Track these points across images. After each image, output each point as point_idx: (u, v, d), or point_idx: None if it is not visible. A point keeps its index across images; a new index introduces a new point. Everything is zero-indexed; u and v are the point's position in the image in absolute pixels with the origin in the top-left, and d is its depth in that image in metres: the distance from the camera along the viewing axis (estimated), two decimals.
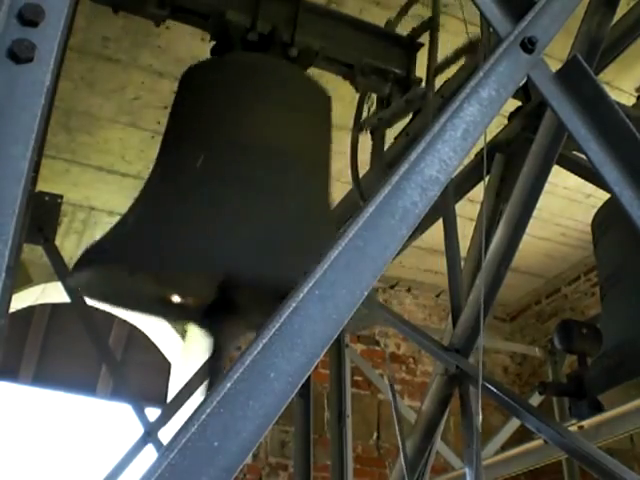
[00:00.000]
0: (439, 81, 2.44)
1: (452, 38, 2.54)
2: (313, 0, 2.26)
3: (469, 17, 2.30)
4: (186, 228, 1.63)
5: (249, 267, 1.54)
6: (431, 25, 2.44)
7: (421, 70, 2.42)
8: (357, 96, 2.66)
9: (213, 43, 2.19)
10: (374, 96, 2.54)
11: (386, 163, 2.72)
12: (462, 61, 2.45)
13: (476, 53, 2.34)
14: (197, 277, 1.87)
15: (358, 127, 2.61)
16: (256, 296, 1.78)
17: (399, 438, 2.04)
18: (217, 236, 1.60)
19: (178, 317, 2.27)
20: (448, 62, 2.46)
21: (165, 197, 1.76)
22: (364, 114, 2.62)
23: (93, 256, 1.69)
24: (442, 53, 2.52)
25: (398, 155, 2.58)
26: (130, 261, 1.63)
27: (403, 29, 2.54)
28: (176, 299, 1.95)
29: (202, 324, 1.89)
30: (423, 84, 2.36)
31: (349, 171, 2.67)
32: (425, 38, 2.46)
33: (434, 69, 2.38)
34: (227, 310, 1.75)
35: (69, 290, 2.64)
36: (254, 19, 2.05)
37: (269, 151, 1.82)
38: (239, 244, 1.59)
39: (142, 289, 1.89)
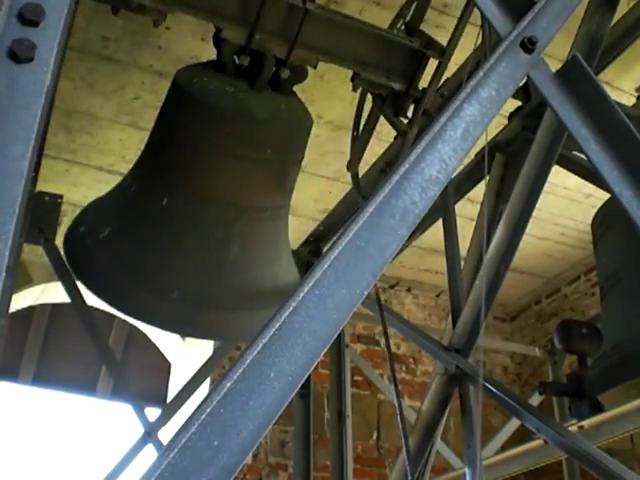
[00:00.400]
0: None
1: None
2: (317, 3, 2.21)
3: (470, 18, 2.29)
4: (139, 268, 1.86)
5: (183, 322, 1.75)
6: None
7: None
8: (357, 96, 2.66)
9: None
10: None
11: (386, 163, 2.72)
12: (462, 47, 2.38)
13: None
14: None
15: (358, 131, 2.60)
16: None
17: (403, 438, 2.04)
18: (161, 285, 1.77)
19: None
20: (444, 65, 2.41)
21: (131, 227, 2.02)
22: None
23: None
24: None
25: (397, 155, 2.58)
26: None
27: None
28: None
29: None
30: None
31: (348, 170, 2.66)
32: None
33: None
34: None
35: (69, 290, 2.64)
36: (251, 32, 1.99)
37: (223, 204, 1.98)
38: (180, 295, 1.79)
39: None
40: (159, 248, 1.98)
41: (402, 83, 2.23)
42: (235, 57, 2.07)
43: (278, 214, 2.14)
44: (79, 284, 2.62)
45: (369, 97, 2.52)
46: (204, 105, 2.00)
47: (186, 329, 2.12)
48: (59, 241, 2.64)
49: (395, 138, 2.67)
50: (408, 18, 2.36)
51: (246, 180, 2.01)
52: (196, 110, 2.01)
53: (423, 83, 2.29)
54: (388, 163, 2.71)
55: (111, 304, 2.13)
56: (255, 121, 2.03)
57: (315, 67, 2.16)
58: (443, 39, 2.44)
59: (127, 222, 2.06)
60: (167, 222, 1.97)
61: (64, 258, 2.22)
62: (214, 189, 1.99)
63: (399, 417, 2.20)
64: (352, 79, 2.28)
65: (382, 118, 2.46)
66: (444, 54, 2.23)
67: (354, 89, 2.37)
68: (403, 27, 2.34)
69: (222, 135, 2.00)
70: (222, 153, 2.00)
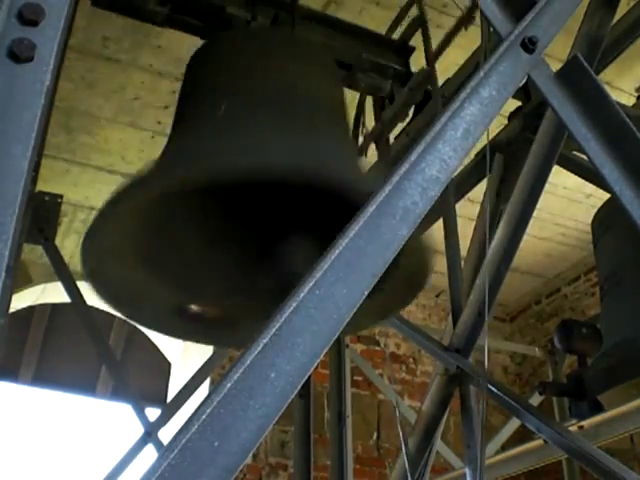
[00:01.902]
0: (440, 77, 2.43)
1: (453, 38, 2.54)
2: (311, 2, 2.26)
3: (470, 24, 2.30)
4: (224, 145, 1.53)
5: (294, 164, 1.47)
6: (421, 18, 2.46)
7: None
8: (357, 97, 2.66)
9: None
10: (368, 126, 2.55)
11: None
12: (462, 33, 2.43)
13: (472, 22, 2.33)
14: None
15: (358, 131, 2.60)
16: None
17: (401, 439, 2.04)
18: (255, 149, 1.52)
19: (193, 334, 2.05)
20: (448, 37, 2.46)
21: (194, 136, 1.67)
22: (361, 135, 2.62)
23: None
24: (443, 54, 2.52)
25: (398, 155, 2.58)
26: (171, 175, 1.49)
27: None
28: (194, 308, 1.85)
29: (218, 339, 1.84)
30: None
31: None
32: (419, 38, 2.47)
33: (434, 54, 2.38)
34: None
35: (69, 290, 2.64)
36: (254, 14, 2.06)
37: (287, 92, 1.76)
38: (278, 150, 1.52)
39: (157, 293, 1.78)
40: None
41: (399, 83, 2.27)
42: None
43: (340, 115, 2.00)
44: (79, 285, 2.62)
45: (369, 97, 2.54)
46: (239, 35, 1.98)
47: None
48: (59, 241, 2.64)
49: (395, 138, 2.67)
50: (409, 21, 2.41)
51: (304, 76, 1.88)
52: (235, 39, 1.95)
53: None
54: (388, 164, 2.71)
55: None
56: (292, 36, 2.04)
57: None
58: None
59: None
60: (236, 115, 1.67)
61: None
62: (276, 83, 1.82)
63: (397, 419, 2.20)
64: (349, 85, 2.30)
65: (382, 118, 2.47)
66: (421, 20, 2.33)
67: (350, 86, 2.39)
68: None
69: (265, 48, 1.89)
70: (271, 57, 1.87)
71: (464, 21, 2.38)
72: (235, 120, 1.62)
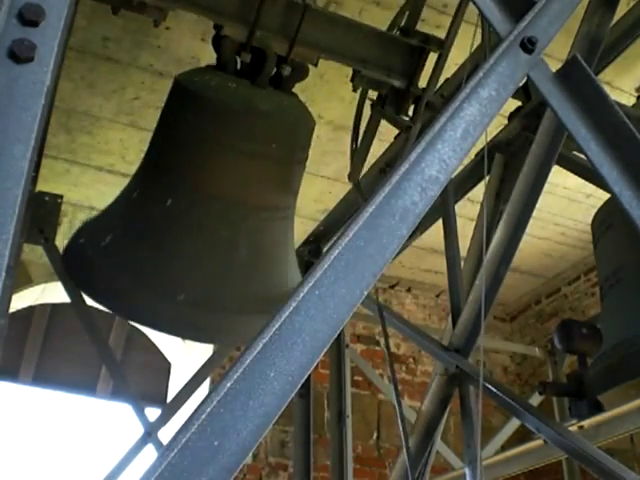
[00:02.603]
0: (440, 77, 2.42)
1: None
2: (317, 5, 2.22)
3: (468, 17, 2.29)
4: (143, 272, 1.82)
5: (188, 325, 1.72)
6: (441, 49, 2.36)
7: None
8: (357, 96, 2.66)
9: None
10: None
11: (385, 163, 2.72)
12: (461, 31, 2.38)
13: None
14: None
15: (358, 131, 2.60)
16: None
17: (403, 439, 2.04)
18: (165, 287, 1.75)
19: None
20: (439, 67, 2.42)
21: (134, 232, 1.97)
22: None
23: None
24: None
25: (398, 155, 2.58)
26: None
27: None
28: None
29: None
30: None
31: (349, 170, 2.66)
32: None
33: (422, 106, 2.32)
34: None
35: (69, 290, 2.64)
36: (252, 30, 2.00)
37: (229, 202, 1.95)
38: (186, 297, 1.76)
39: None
40: (164, 251, 1.96)
41: (402, 80, 2.23)
42: (236, 56, 2.07)
43: (285, 214, 2.12)
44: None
45: (368, 101, 2.52)
46: (207, 101, 1.99)
47: (191, 333, 2.09)
48: (59, 241, 2.64)
49: (395, 138, 2.67)
50: (405, 20, 2.37)
51: (252, 177, 1.99)
52: (199, 107, 2.00)
53: (422, 82, 2.29)
54: (388, 163, 2.71)
55: (115, 311, 2.12)
56: (259, 115, 2.02)
57: (316, 65, 2.16)
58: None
59: (130, 227, 2.03)
60: (172, 223, 1.94)
61: (64, 269, 2.21)
62: (220, 187, 1.97)
63: (399, 417, 2.20)
64: (352, 79, 2.28)
65: (382, 119, 2.47)
66: (442, 47, 2.24)
67: (354, 89, 2.37)
68: (398, 33, 2.34)
69: (226, 131, 1.98)
70: (227, 149, 1.97)
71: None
72: (168, 232, 1.92)
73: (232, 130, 1.99)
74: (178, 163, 1.99)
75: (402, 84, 2.23)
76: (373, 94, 2.43)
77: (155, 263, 1.94)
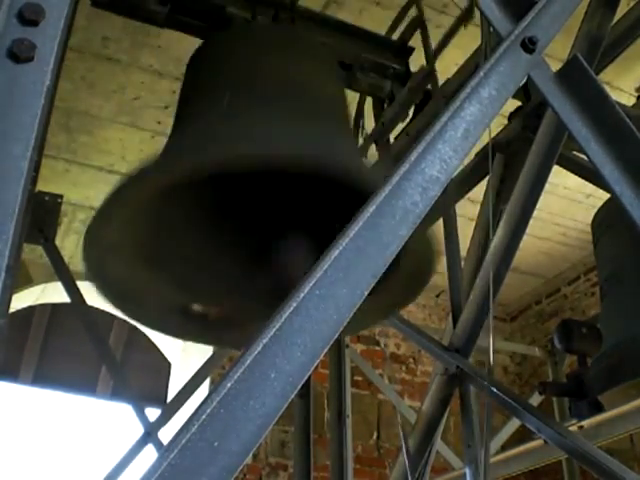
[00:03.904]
0: (440, 77, 2.43)
1: (453, 37, 2.54)
2: (311, 3, 2.26)
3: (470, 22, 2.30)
4: (229, 133, 1.53)
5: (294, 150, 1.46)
6: (420, 18, 2.46)
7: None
8: (357, 97, 2.66)
9: None
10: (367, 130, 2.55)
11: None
12: (461, 31, 2.43)
13: (471, 19, 2.33)
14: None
15: (357, 131, 2.60)
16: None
17: (402, 439, 2.04)
18: (260, 136, 1.51)
19: (195, 334, 2.03)
20: (448, 36, 2.46)
21: (198, 128, 1.66)
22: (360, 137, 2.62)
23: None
24: (443, 52, 2.52)
25: (398, 155, 2.58)
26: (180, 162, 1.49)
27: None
28: (197, 308, 1.85)
29: (220, 339, 1.84)
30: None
31: None
32: (418, 39, 2.47)
33: (433, 52, 2.38)
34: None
35: (69, 290, 2.64)
36: (254, 13, 2.06)
37: (291, 85, 1.75)
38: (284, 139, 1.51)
39: (159, 292, 1.77)
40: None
41: (399, 82, 2.27)
42: None
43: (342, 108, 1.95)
44: (79, 285, 2.62)
45: (369, 98, 2.53)
46: (241, 31, 1.98)
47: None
48: (59, 241, 2.64)
49: (395, 138, 2.67)
50: (408, 21, 2.41)
51: (305, 74, 1.86)
52: (237, 35, 1.96)
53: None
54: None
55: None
56: (294, 32, 2.04)
57: None
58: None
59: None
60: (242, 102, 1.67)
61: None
62: (279, 83, 1.82)
63: (399, 419, 2.19)
64: (349, 85, 2.31)
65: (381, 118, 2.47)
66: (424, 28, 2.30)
67: (350, 87, 2.39)
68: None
69: (268, 45, 1.88)
70: (275, 57, 1.84)
71: (463, 19, 2.38)
72: (238, 113, 1.61)
73: (273, 43, 1.91)
74: (223, 75, 1.79)
75: (401, 68, 2.27)
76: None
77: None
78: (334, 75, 1.97)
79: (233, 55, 1.83)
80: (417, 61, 2.46)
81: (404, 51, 2.44)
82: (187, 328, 1.84)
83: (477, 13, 2.25)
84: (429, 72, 2.31)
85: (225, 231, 1.84)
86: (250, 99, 1.67)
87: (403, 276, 1.64)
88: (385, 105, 2.49)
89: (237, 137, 1.46)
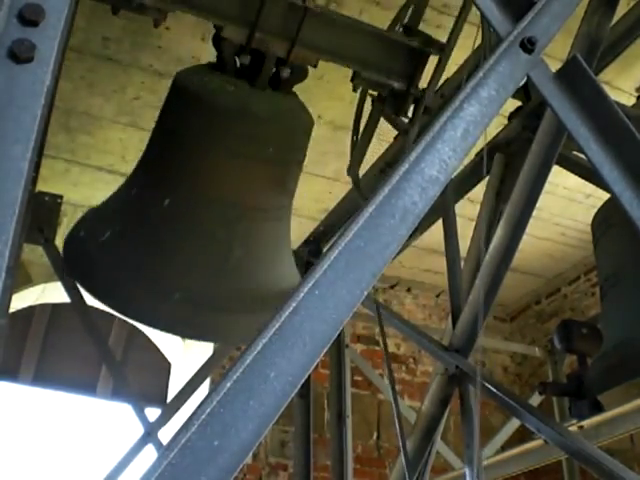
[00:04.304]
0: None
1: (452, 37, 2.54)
2: (317, 4, 2.21)
3: (469, 17, 2.29)
4: (140, 270, 1.84)
5: (185, 324, 1.74)
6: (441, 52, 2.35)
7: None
8: (357, 96, 2.66)
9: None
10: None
11: (386, 163, 2.72)
12: (462, 47, 2.39)
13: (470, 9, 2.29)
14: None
15: (358, 131, 2.60)
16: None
17: (400, 439, 2.04)
18: (163, 288, 1.77)
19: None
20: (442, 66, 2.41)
21: (131, 229, 2.01)
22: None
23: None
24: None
25: (398, 155, 2.58)
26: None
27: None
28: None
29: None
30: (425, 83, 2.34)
31: (349, 170, 2.66)
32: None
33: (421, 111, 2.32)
34: None
35: (69, 290, 2.64)
36: (251, 32, 2.00)
37: (225, 203, 1.96)
38: (182, 297, 1.78)
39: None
40: (161, 249, 1.97)
41: (402, 82, 2.23)
42: (235, 57, 2.07)
43: (280, 215, 2.13)
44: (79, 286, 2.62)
45: (369, 98, 2.52)
46: (205, 103, 1.99)
47: (188, 331, 2.11)
48: (59, 241, 2.64)
49: (395, 138, 2.67)
50: (406, 20, 2.36)
51: (248, 179, 2.00)
52: (197, 108, 2.00)
53: (423, 83, 2.29)
54: (388, 163, 2.71)
55: (113, 307, 2.13)
56: (256, 119, 2.02)
57: (315, 66, 2.15)
58: (443, 39, 2.44)
59: (128, 225, 2.05)
60: (169, 223, 1.96)
61: (63, 263, 2.23)
62: (216, 189, 1.98)
63: (396, 418, 2.20)
64: (352, 79, 2.28)
65: (382, 118, 2.47)
66: (443, 50, 2.23)
67: (354, 89, 2.37)
68: (401, 29, 2.33)
69: (224, 133, 1.99)
70: (224, 152, 1.99)
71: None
72: (165, 233, 1.94)
73: (229, 132, 1.99)
74: (175, 163, 2.01)
75: (402, 86, 2.22)
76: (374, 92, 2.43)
77: (152, 262, 1.95)
78: (292, 166, 2.11)
79: (184, 143, 2.02)
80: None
81: (420, 58, 2.33)
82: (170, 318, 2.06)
83: (476, 11, 2.24)
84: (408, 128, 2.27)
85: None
86: (179, 214, 1.99)
87: None
88: (385, 106, 2.48)
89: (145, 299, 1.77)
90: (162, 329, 2.23)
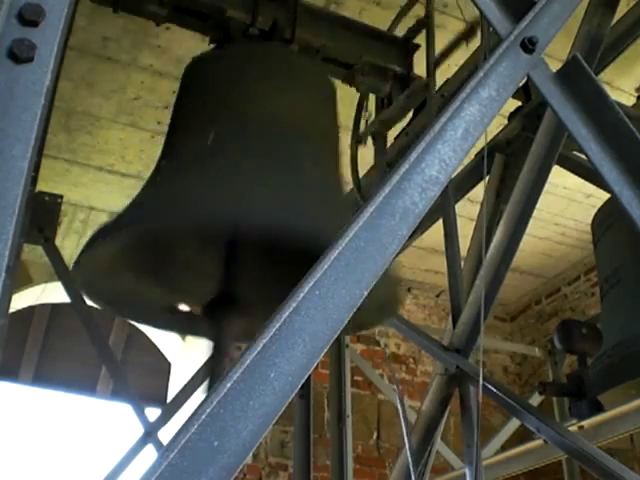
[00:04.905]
0: (440, 77, 2.43)
1: (453, 37, 2.55)
2: (312, 1, 2.24)
3: (469, 17, 2.30)
4: (202, 191, 1.52)
5: (263, 220, 1.45)
6: (427, 22, 2.44)
7: (421, 69, 2.42)
8: (357, 97, 2.66)
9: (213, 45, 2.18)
10: (371, 111, 2.55)
11: (386, 163, 2.71)
12: (462, 47, 2.44)
13: (475, 36, 2.33)
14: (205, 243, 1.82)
15: (358, 132, 2.60)
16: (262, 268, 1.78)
17: (405, 439, 2.04)
18: (232, 198, 1.52)
19: (183, 328, 2.13)
20: (449, 49, 2.46)
21: (177, 172, 1.68)
22: (363, 121, 2.62)
23: (103, 234, 1.60)
24: (442, 53, 2.52)
25: (398, 155, 2.58)
26: (145, 222, 1.53)
27: (403, 30, 2.54)
28: (182, 307, 1.92)
29: (205, 333, 1.88)
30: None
31: (349, 171, 2.67)
32: (422, 38, 2.46)
33: (434, 63, 2.38)
34: (229, 304, 1.74)
35: (69, 290, 2.64)
36: (254, 16, 2.05)
37: (278, 123, 1.74)
38: (255, 203, 1.51)
39: (147, 293, 1.85)
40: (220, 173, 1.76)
41: (400, 67, 2.27)
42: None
43: (329, 150, 1.98)
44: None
45: (372, 96, 2.53)
46: (243, 48, 1.97)
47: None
48: (59, 241, 2.64)
49: (395, 138, 2.67)
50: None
51: (296, 104, 1.84)
52: (226, 60, 1.95)
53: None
54: (388, 163, 2.71)
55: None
56: (290, 57, 2.02)
57: (318, 51, 2.18)
58: (443, 38, 2.45)
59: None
60: (223, 149, 1.67)
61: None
62: (266, 111, 1.79)
63: (401, 419, 2.20)
64: (349, 83, 2.30)
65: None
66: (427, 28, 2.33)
67: (350, 85, 2.39)
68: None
69: (264, 65, 1.90)
70: (266, 78, 1.86)
71: (465, 36, 2.38)
72: (221, 158, 1.63)
73: (268, 62, 1.91)
74: (213, 103, 1.80)
75: (401, 70, 2.27)
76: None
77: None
78: (330, 106, 1.97)
79: (222, 85, 1.84)
80: (417, 60, 2.45)
81: (407, 49, 2.42)
82: (176, 324, 1.93)
83: (476, 11, 2.25)
84: (427, 84, 2.31)
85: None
86: (235, 139, 1.69)
87: (371, 306, 1.63)
88: (384, 105, 2.49)
89: (215, 202, 1.49)
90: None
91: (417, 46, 2.44)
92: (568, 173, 2.27)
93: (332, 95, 2.00)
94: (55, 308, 5.75)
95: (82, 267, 1.60)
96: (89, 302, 2.65)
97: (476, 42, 2.31)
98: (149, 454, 2.85)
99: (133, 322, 5.40)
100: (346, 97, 3.24)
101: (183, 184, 1.58)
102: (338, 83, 3.27)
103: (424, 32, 2.47)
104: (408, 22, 2.57)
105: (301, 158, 1.71)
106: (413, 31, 2.47)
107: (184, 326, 2.00)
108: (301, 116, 1.79)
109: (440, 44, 2.51)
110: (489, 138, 2.29)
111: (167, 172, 1.74)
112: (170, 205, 1.51)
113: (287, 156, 1.70)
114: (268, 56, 1.98)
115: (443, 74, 2.46)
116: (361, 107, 2.62)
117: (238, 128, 1.71)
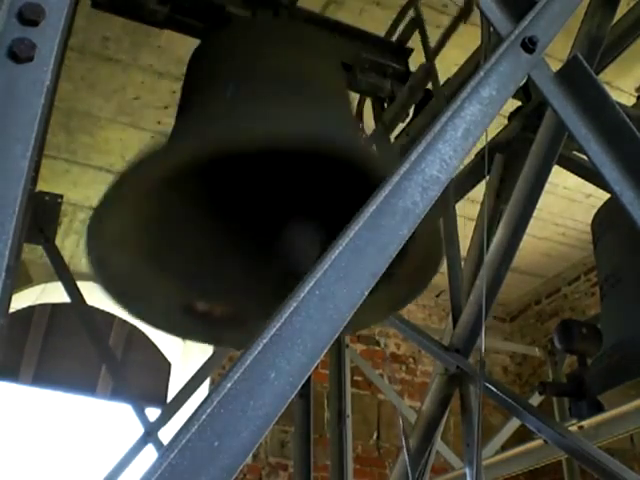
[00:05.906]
0: (440, 77, 2.43)
1: (453, 37, 2.54)
2: (313, 1, 2.26)
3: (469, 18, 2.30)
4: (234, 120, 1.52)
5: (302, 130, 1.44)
6: (418, 21, 2.46)
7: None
8: (357, 97, 2.66)
9: None
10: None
11: None
12: (462, 46, 2.44)
13: (469, 17, 2.34)
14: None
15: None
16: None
17: (403, 440, 2.04)
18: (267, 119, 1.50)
19: (200, 334, 1.98)
20: (448, 32, 2.47)
21: (203, 116, 1.66)
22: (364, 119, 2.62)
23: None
24: (443, 53, 2.52)
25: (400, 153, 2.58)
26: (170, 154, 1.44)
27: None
28: (200, 306, 1.83)
29: (224, 340, 1.82)
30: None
31: None
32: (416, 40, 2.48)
33: (432, 52, 2.39)
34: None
35: (69, 290, 2.63)
36: (254, 14, 2.06)
37: (293, 75, 1.74)
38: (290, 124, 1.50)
39: (163, 290, 1.75)
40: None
41: (399, 82, 2.27)
42: None
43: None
44: (79, 285, 2.61)
45: (369, 99, 2.54)
46: (242, 26, 1.98)
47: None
48: (59, 241, 2.64)
49: (395, 138, 2.67)
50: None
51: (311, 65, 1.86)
52: (238, 30, 1.96)
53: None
54: None
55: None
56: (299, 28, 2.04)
57: None
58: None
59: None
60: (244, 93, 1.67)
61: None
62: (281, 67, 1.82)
63: (400, 419, 2.19)
64: (350, 84, 2.31)
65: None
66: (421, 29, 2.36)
67: (351, 86, 2.39)
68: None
69: (272, 34, 1.91)
70: (276, 44, 1.84)
71: (462, 15, 2.38)
72: (240, 99, 1.62)
73: (276, 31, 1.92)
74: (225, 67, 1.81)
75: (401, 67, 2.27)
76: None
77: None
78: (335, 66, 1.97)
79: (234, 48, 1.84)
80: (417, 62, 2.46)
81: (403, 51, 2.44)
82: (190, 327, 1.83)
83: (476, 11, 2.25)
84: (429, 70, 2.31)
85: (228, 230, 1.83)
86: (251, 87, 1.67)
87: (409, 270, 1.61)
88: (385, 105, 2.49)
89: (239, 119, 1.47)
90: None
91: (410, 50, 2.46)
92: (568, 173, 2.27)
93: (337, 59, 2.03)
94: (55, 308, 5.75)
95: (96, 228, 1.49)
96: (89, 302, 2.66)
97: (476, 39, 2.30)
98: (149, 454, 2.86)
99: (132, 322, 5.40)
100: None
101: (209, 118, 1.57)
102: None
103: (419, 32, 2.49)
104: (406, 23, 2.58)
105: (320, 100, 1.72)
106: (407, 33, 2.48)
107: (195, 331, 1.89)
108: (312, 69, 1.79)
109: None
110: (489, 138, 2.29)
111: (191, 117, 1.72)
112: (209, 131, 1.46)
113: (307, 98, 1.70)
114: (276, 23, 2.03)
115: (443, 74, 2.46)
116: (361, 107, 2.62)
117: (255, 82, 1.70)
